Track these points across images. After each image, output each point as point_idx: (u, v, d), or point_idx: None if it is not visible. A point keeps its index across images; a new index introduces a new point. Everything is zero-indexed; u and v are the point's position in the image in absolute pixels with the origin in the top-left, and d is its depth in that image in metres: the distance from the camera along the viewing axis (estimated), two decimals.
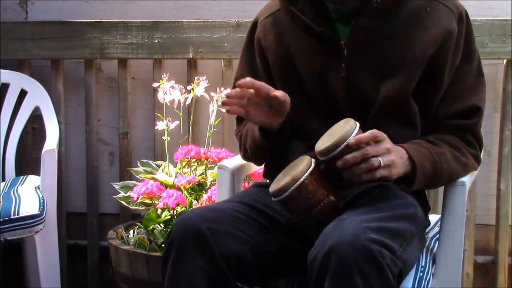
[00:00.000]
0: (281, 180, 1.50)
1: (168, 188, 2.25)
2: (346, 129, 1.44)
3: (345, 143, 1.43)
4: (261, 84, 1.55)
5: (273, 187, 1.51)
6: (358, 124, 1.46)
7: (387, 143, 1.47)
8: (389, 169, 1.46)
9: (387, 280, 1.36)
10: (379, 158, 1.44)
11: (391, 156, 1.46)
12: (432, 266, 1.64)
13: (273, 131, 1.64)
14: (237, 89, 1.54)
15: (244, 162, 1.85)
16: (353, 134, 1.44)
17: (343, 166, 1.44)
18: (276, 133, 1.64)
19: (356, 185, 1.55)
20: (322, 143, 1.48)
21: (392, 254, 1.38)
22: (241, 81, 1.54)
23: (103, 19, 2.69)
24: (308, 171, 1.47)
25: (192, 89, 2.38)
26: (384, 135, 1.47)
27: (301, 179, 1.46)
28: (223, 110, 2.35)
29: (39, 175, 2.37)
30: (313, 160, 1.50)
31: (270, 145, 1.66)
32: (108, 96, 2.79)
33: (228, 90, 2.32)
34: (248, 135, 1.72)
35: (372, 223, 1.40)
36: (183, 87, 2.38)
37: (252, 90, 1.54)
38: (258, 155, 1.74)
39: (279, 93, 1.56)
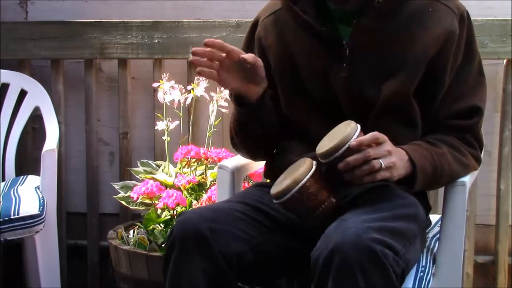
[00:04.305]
0: (282, 183, 1.50)
1: (168, 188, 2.25)
2: (348, 131, 1.45)
3: (346, 146, 1.43)
4: (231, 47, 1.54)
5: (274, 190, 1.50)
6: (359, 127, 1.47)
7: (388, 145, 1.47)
8: (390, 171, 1.46)
9: (390, 281, 1.36)
10: (380, 160, 1.44)
11: (392, 158, 1.46)
12: (433, 266, 1.64)
13: (251, 102, 1.62)
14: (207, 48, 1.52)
15: (244, 162, 1.85)
16: (355, 137, 1.44)
17: (344, 169, 1.44)
18: (254, 103, 1.62)
19: (356, 186, 1.55)
20: (323, 146, 1.48)
21: (395, 254, 1.38)
22: (209, 40, 1.52)
23: (103, 19, 2.69)
24: (310, 173, 1.47)
25: (192, 89, 2.38)
26: (385, 137, 1.47)
27: (303, 182, 1.46)
28: (223, 110, 2.39)
29: (39, 175, 2.37)
30: (314, 162, 1.50)
31: (249, 117, 1.64)
32: (108, 96, 2.79)
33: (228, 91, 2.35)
34: (232, 116, 1.71)
35: (374, 223, 1.40)
36: (183, 87, 2.39)
37: (223, 54, 1.53)
38: (240, 134, 1.71)
39: (248, 55, 1.54)
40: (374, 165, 1.44)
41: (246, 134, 1.70)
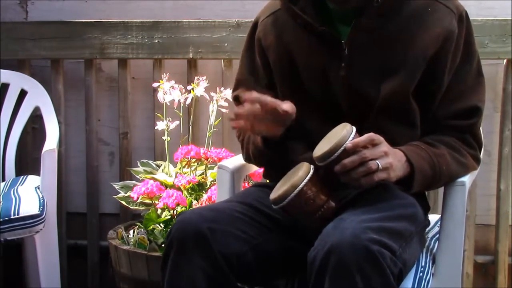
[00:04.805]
0: (280, 188, 1.51)
1: (168, 188, 2.25)
2: (343, 133, 1.45)
3: (342, 148, 1.44)
4: (269, 100, 1.53)
5: (273, 195, 1.51)
6: (354, 129, 1.47)
7: (384, 146, 1.47)
8: (387, 172, 1.46)
9: (387, 280, 1.35)
10: (376, 161, 1.44)
11: (389, 159, 1.46)
12: (432, 266, 1.64)
13: (276, 140, 1.63)
14: (246, 106, 1.52)
15: (244, 162, 1.85)
16: (350, 139, 1.44)
17: (341, 171, 1.44)
18: (279, 141, 1.63)
19: (355, 189, 1.55)
20: (320, 149, 1.49)
21: (392, 254, 1.38)
22: (248, 97, 1.52)
23: (103, 19, 2.69)
24: (307, 178, 1.47)
25: (192, 89, 2.38)
26: (381, 138, 1.47)
27: (300, 186, 1.47)
28: (223, 110, 2.39)
29: (39, 175, 2.37)
30: (312, 166, 1.50)
31: (273, 152, 1.66)
32: (108, 96, 2.79)
33: (228, 90, 2.35)
34: (250, 143, 1.71)
35: (372, 223, 1.40)
36: (183, 87, 2.39)
37: (258, 106, 1.53)
38: (261, 161, 1.75)
39: (287, 107, 1.53)
40: (371, 166, 1.44)
41: (268, 161, 1.72)
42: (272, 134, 1.61)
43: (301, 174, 1.48)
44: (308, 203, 1.48)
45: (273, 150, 1.65)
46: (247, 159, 1.78)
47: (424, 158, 1.55)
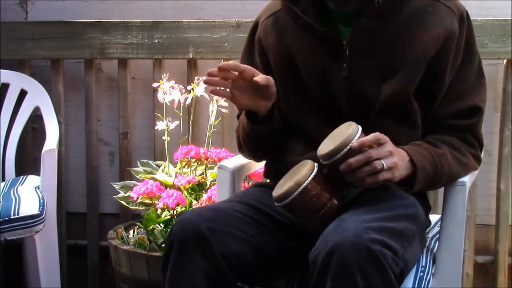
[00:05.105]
0: (284, 185, 1.50)
1: (168, 188, 2.25)
2: (349, 132, 1.44)
3: (348, 147, 1.43)
4: (245, 67, 1.54)
5: (276, 192, 1.50)
6: (360, 128, 1.46)
7: (389, 146, 1.47)
8: (392, 171, 1.46)
9: (389, 280, 1.35)
10: (382, 161, 1.44)
11: (394, 159, 1.46)
12: (432, 266, 1.64)
13: (261, 116, 1.63)
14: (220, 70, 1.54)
15: (244, 162, 1.85)
16: (356, 138, 1.44)
17: (346, 170, 1.44)
18: (264, 118, 1.63)
19: (358, 188, 1.55)
20: (325, 147, 1.48)
21: (393, 254, 1.38)
22: (224, 64, 1.53)
23: (103, 19, 2.69)
24: (311, 176, 1.47)
25: (192, 89, 2.38)
26: (387, 138, 1.47)
27: (305, 184, 1.46)
28: (223, 110, 2.39)
29: (39, 175, 2.37)
30: (316, 164, 1.50)
31: (259, 132, 1.65)
32: (108, 96, 2.79)
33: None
34: (240, 125, 1.72)
35: (373, 223, 1.40)
36: (183, 87, 2.39)
37: (236, 73, 1.54)
38: (250, 144, 1.73)
39: (260, 78, 1.54)
40: (376, 166, 1.44)
41: (257, 144, 1.71)
42: (255, 107, 1.61)
43: (305, 172, 1.47)
44: (312, 201, 1.47)
45: (259, 129, 1.64)
46: (239, 147, 1.78)
47: (426, 158, 1.55)
